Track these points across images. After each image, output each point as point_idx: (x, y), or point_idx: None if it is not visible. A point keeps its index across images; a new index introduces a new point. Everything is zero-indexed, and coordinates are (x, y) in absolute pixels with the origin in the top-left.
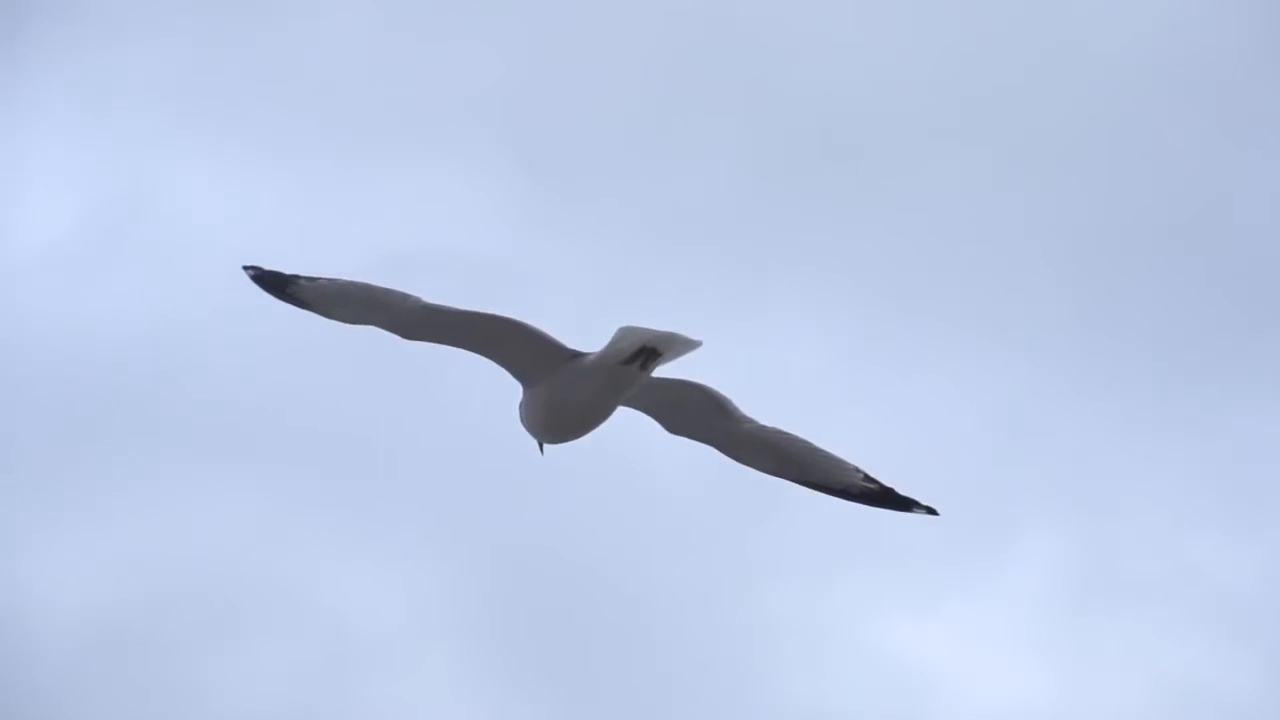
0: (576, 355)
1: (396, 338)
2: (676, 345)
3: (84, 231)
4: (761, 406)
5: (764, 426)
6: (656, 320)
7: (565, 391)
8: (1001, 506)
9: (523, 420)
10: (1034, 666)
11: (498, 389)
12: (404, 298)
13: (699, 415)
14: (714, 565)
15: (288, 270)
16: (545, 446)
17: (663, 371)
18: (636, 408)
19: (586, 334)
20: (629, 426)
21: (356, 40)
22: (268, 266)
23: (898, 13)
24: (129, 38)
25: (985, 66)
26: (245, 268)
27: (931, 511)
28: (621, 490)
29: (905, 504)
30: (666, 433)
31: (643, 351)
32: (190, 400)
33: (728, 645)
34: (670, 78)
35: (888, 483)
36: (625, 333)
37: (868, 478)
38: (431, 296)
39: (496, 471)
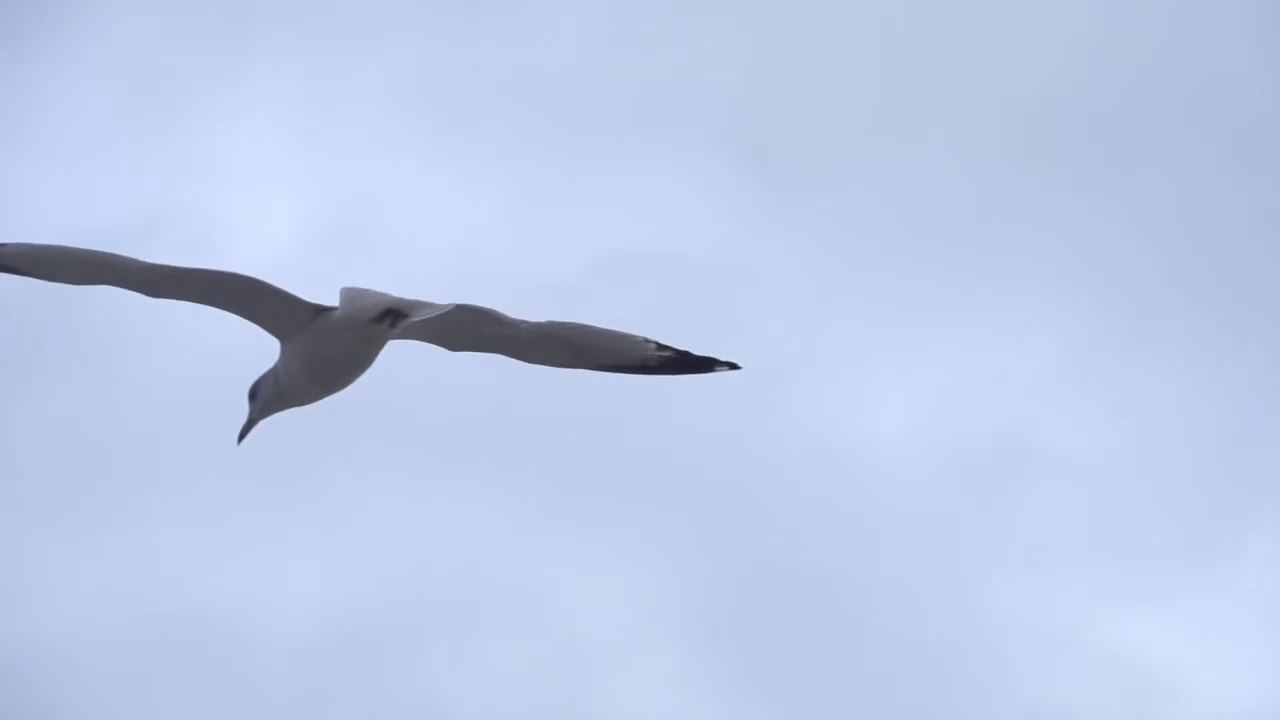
0: (321, 310)
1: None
2: (423, 310)
3: (311, 238)
4: (990, 401)
5: (540, 322)
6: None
7: (320, 346)
8: (1236, 498)
9: (277, 377)
10: (1274, 666)
11: (721, 390)
12: (114, 256)
13: (474, 330)
14: (939, 560)
15: None
16: (261, 422)
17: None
18: (409, 339)
19: (810, 334)
20: (854, 424)
21: (580, 42)
22: None
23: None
24: (356, 44)
25: (1212, 54)
26: None
27: (733, 366)
28: (845, 486)
29: (706, 365)
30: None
31: (389, 312)
32: (419, 405)
33: (954, 642)
34: (894, 71)
35: (682, 347)
36: (358, 295)
37: (661, 346)
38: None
39: (723, 469)
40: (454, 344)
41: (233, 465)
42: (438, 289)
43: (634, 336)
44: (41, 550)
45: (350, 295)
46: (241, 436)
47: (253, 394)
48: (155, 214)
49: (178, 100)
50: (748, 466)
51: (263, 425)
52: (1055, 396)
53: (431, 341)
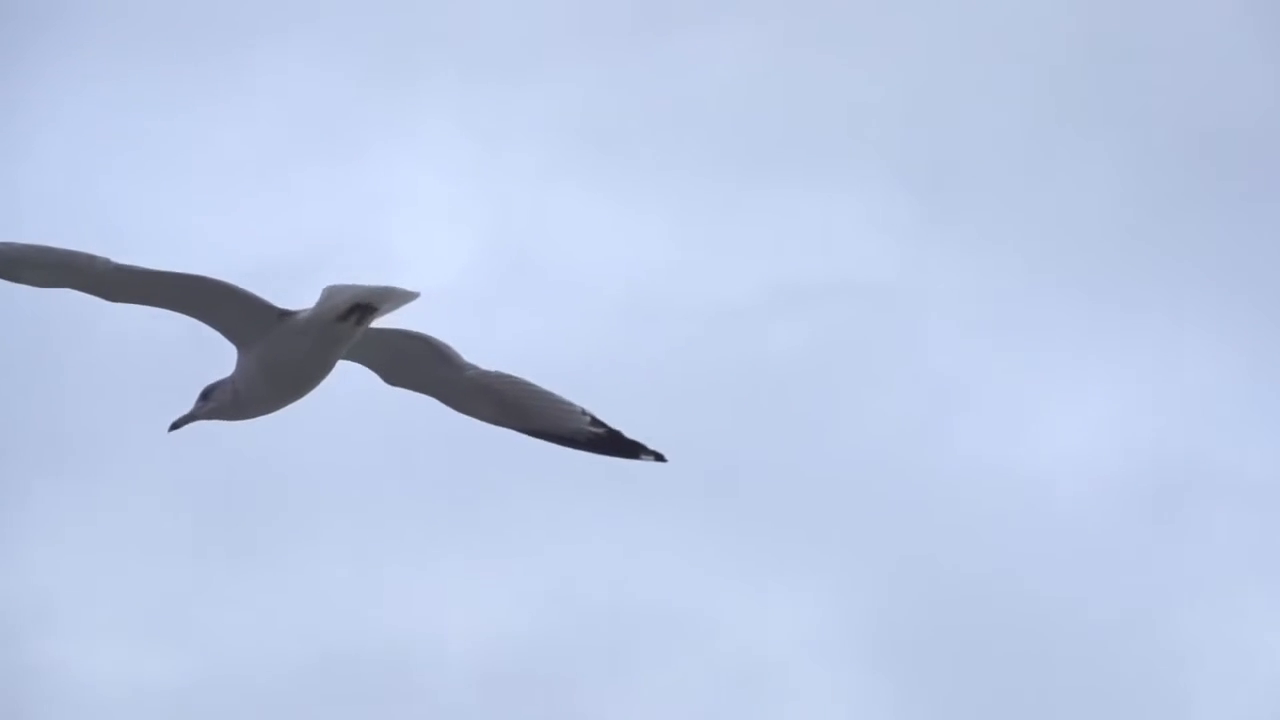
0: (286, 314)
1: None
2: (392, 298)
3: (480, 268)
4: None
5: (486, 371)
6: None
7: (280, 351)
8: None
9: (235, 386)
10: None
11: (891, 412)
12: (90, 258)
13: (419, 365)
14: (1116, 580)
15: None
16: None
17: (381, 323)
18: (353, 360)
19: (977, 355)
20: (1023, 445)
21: (743, 67)
22: None
23: None
24: (520, 73)
25: None
26: None
27: (659, 458)
28: (1016, 508)
29: (633, 450)
30: (385, 384)
31: (357, 307)
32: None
33: (1133, 665)
34: (1054, 90)
35: (615, 425)
36: (332, 291)
37: (595, 421)
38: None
39: (892, 491)
40: (393, 376)
41: (406, 496)
42: (605, 318)
43: (574, 408)
44: (222, 583)
45: (325, 293)
46: (175, 426)
47: (205, 394)
48: (325, 246)
49: (345, 132)
50: (917, 488)
51: (432, 456)
52: (1229, 415)
53: (371, 367)
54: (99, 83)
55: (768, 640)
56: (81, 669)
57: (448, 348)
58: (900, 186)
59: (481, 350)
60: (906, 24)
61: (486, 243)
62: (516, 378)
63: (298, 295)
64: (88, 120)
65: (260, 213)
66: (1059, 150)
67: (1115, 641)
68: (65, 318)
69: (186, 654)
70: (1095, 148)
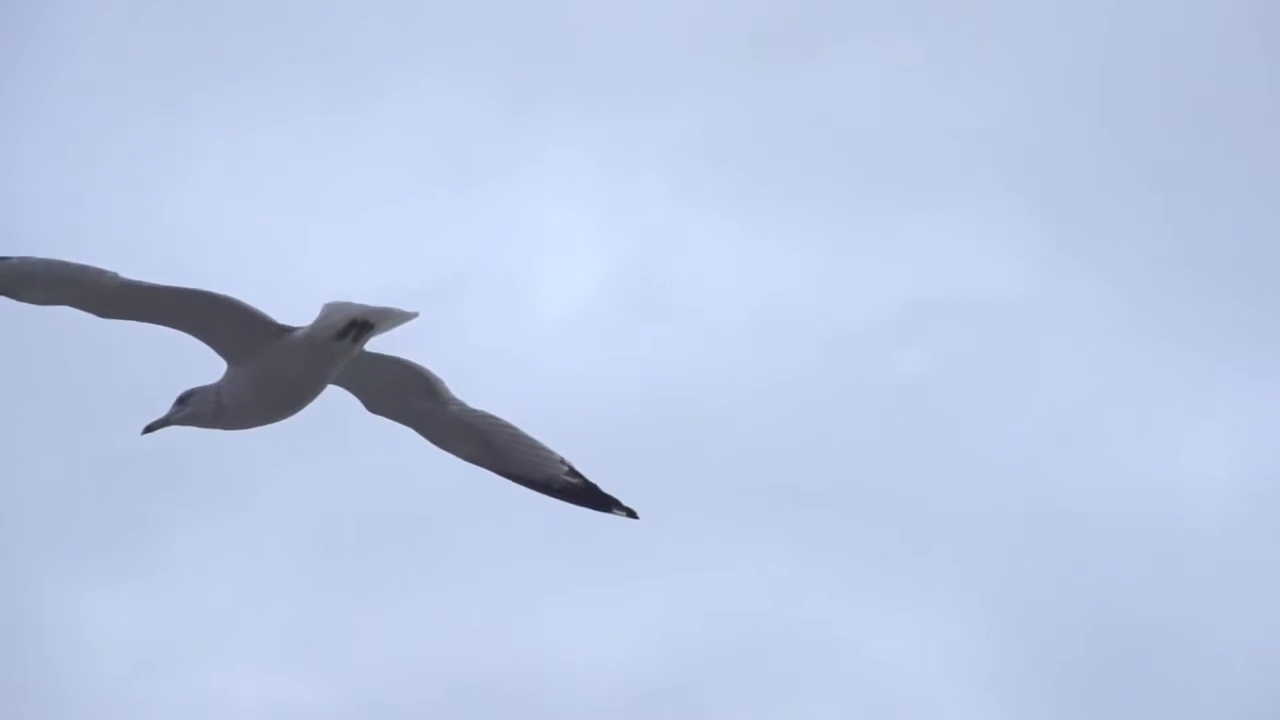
0: (286, 330)
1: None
2: (390, 318)
3: (611, 295)
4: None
5: (471, 409)
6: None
7: (275, 367)
8: None
9: (220, 397)
10: None
11: (1023, 433)
12: (99, 273)
13: (405, 394)
14: (1251, 608)
15: None
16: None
17: (373, 345)
18: (339, 384)
19: (1110, 375)
20: (1157, 465)
21: (873, 90)
22: None
23: None
24: (646, 101)
25: None
26: None
27: (631, 514)
28: (1153, 530)
29: (606, 503)
30: (367, 411)
31: (355, 325)
32: (719, 455)
33: (1274, 697)
34: (1180, 107)
35: (591, 478)
36: (333, 308)
37: (572, 471)
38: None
39: (1023, 510)
40: (376, 404)
41: (541, 524)
42: (733, 342)
43: (553, 455)
44: (362, 612)
45: (324, 310)
46: (150, 429)
47: (182, 400)
48: (458, 275)
49: (474, 161)
50: (1046, 511)
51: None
52: None
53: (357, 392)
54: (235, 113)
55: (897, 666)
56: (226, 697)
57: (437, 380)
58: (1029, 208)
59: (609, 375)
60: (1034, 46)
61: (614, 269)
62: (500, 419)
63: (421, 326)
64: (223, 150)
65: (390, 241)
66: (1189, 173)
67: (1252, 671)
68: (208, 350)
69: (326, 683)
70: (1226, 170)
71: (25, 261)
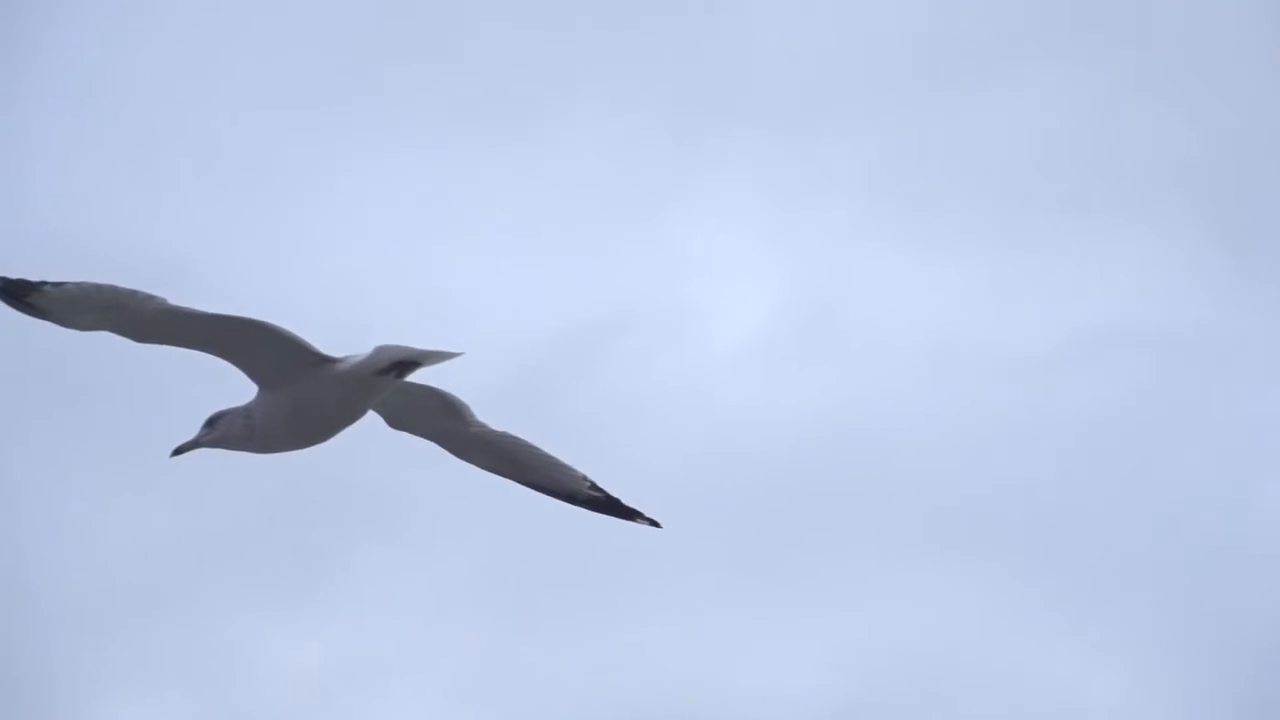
0: (326, 360)
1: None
2: (436, 358)
3: (782, 324)
4: None
5: (494, 430)
6: None
7: (312, 396)
8: None
9: (250, 419)
10: None
11: (1200, 466)
12: (148, 298)
13: (429, 415)
14: None
15: (34, 278)
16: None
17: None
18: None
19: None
20: None
21: (1043, 115)
22: (13, 276)
23: None
24: (817, 130)
25: None
26: None
27: (654, 524)
28: None
29: (629, 514)
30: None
31: (399, 364)
32: (890, 484)
33: None
34: None
35: (614, 493)
36: (383, 351)
37: (595, 486)
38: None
39: (1201, 543)
40: (399, 421)
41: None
42: (906, 372)
43: (575, 472)
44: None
45: (375, 351)
46: (178, 452)
47: (211, 422)
48: (630, 307)
49: (645, 193)
50: (1225, 544)
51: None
52: None
53: (380, 412)
54: (408, 143)
55: (1078, 699)
56: None
57: (463, 404)
58: (1210, 235)
59: (781, 406)
60: (1209, 72)
61: (785, 299)
62: (521, 440)
63: (595, 357)
64: (396, 180)
65: (563, 272)
66: None
67: None
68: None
69: (509, 714)
70: None
71: (80, 286)
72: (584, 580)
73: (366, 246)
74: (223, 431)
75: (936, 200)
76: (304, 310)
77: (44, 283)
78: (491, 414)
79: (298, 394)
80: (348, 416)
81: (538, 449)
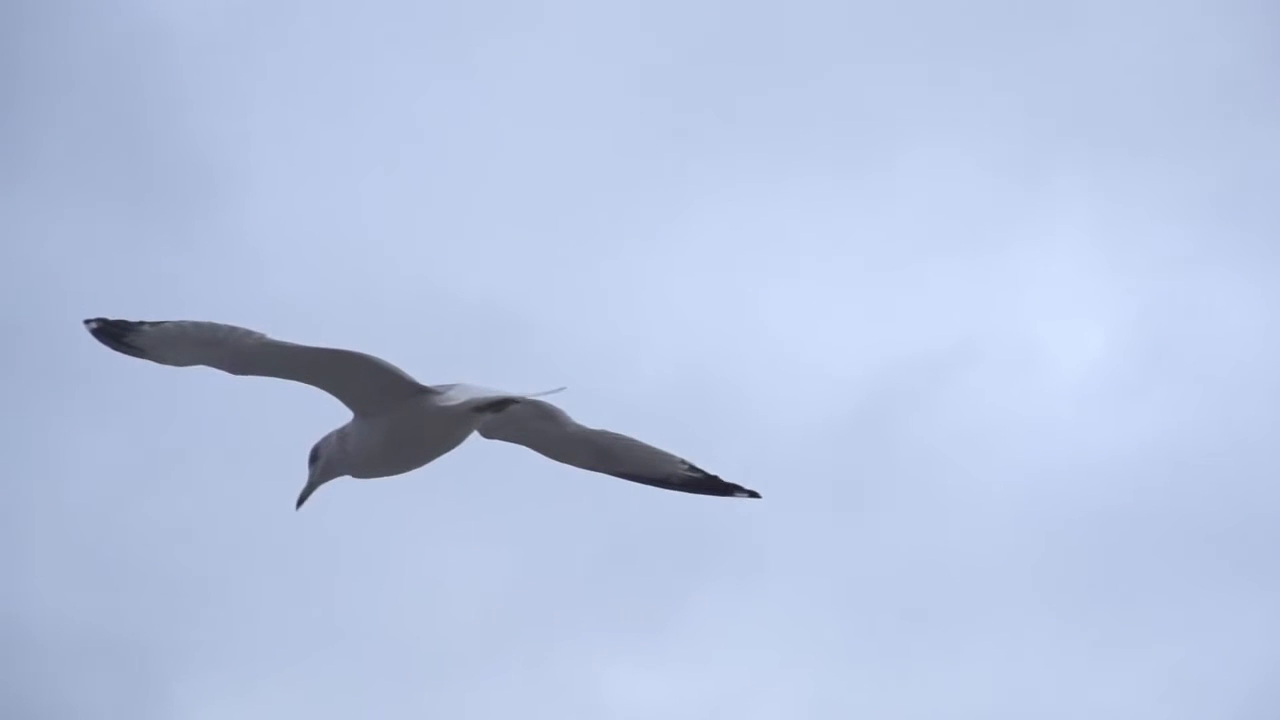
0: (425, 391)
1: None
2: (536, 396)
3: (1121, 354)
4: None
5: (591, 429)
6: None
7: (410, 426)
8: None
9: (345, 445)
10: None
11: None
12: (246, 333)
13: (527, 423)
14: None
15: (133, 319)
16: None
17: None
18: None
19: None
20: None
21: None
22: (112, 317)
23: None
24: (1155, 160)
25: None
26: (86, 321)
27: (754, 495)
28: None
29: (728, 489)
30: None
31: (501, 401)
32: (1243, 522)
33: None
34: None
35: (711, 471)
36: (482, 390)
37: (692, 468)
38: None
39: None
40: (493, 431)
41: (1051, 581)
42: (1253, 402)
43: (673, 457)
44: (882, 684)
45: (477, 390)
46: (300, 502)
47: (314, 457)
48: (971, 339)
49: (986, 224)
50: None
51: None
52: None
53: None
54: (748, 180)
55: None
56: None
57: (558, 410)
58: None
59: (1123, 437)
60: None
61: (1125, 330)
62: (619, 433)
63: (936, 391)
64: (735, 217)
65: (904, 306)
66: None
67: None
68: None
69: None
70: None
71: (179, 325)
72: (926, 613)
73: (709, 281)
74: (325, 459)
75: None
76: (646, 346)
77: (142, 323)
78: (835, 446)
79: (395, 424)
80: (444, 446)
81: (635, 440)
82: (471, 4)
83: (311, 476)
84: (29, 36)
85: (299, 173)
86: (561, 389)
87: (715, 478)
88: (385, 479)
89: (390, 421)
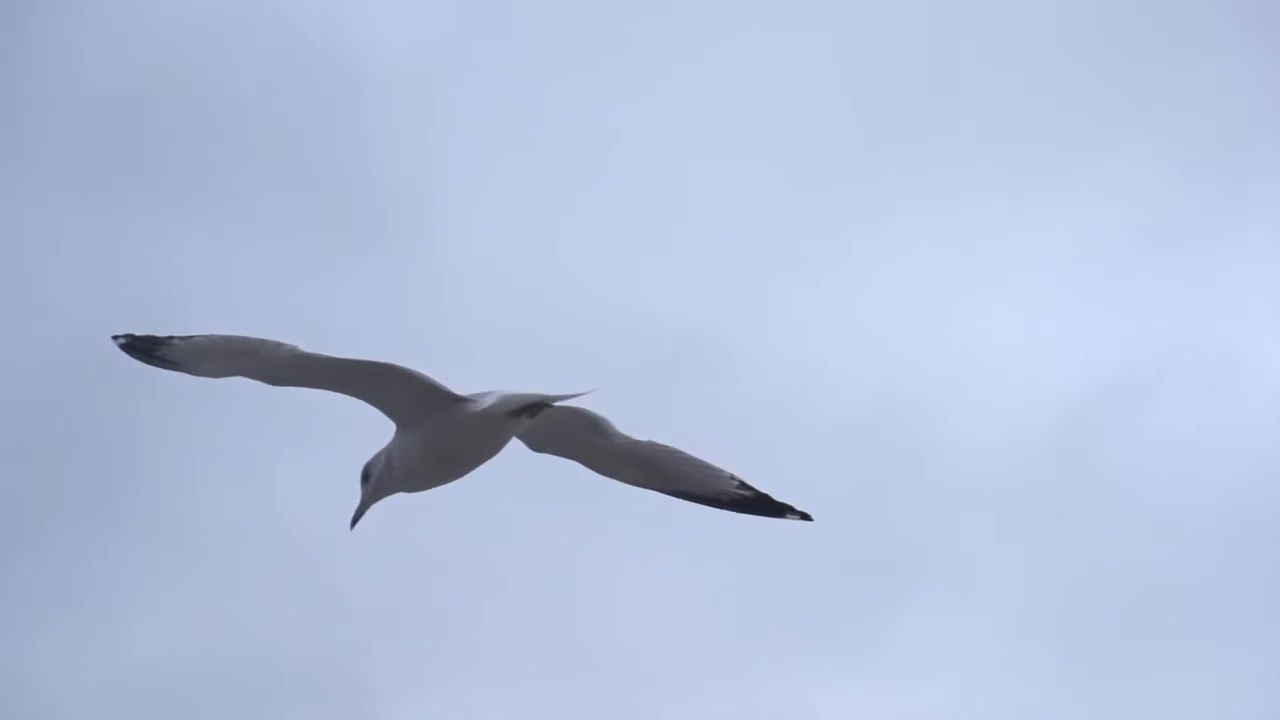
0: (460, 399)
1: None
2: (570, 398)
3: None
4: None
5: (639, 441)
6: None
7: (447, 435)
8: None
9: (390, 460)
10: None
11: None
12: (278, 345)
13: (572, 434)
14: None
15: (161, 333)
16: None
17: None
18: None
19: None
20: None
21: None
22: (140, 332)
23: None
24: None
25: None
26: (114, 337)
27: (806, 517)
28: None
29: (779, 510)
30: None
31: (534, 405)
32: None
33: None
34: None
35: (763, 489)
36: (514, 395)
37: (743, 485)
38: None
39: None
40: (541, 444)
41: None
42: None
43: (723, 473)
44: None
45: (508, 393)
46: (354, 522)
47: (365, 476)
48: (1166, 353)
49: (1180, 235)
50: None
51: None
52: None
53: (520, 437)
54: (945, 195)
55: None
56: None
57: (603, 420)
58: None
59: None
60: None
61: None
62: (668, 446)
63: (1134, 406)
64: (932, 232)
65: (1095, 320)
66: None
67: None
68: None
69: None
70: None
71: (210, 338)
72: (1136, 632)
73: (907, 301)
74: (376, 477)
75: None
76: (844, 367)
77: (172, 337)
78: (1038, 463)
79: (433, 433)
80: (485, 453)
81: (685, 453)
82: (665, 31)
83: (364, 496)
84: (240, 84)
85: (495, 205)
86: (592, 390)
87: (767, 497)
88: (437, 489)
89: (427, 430)
